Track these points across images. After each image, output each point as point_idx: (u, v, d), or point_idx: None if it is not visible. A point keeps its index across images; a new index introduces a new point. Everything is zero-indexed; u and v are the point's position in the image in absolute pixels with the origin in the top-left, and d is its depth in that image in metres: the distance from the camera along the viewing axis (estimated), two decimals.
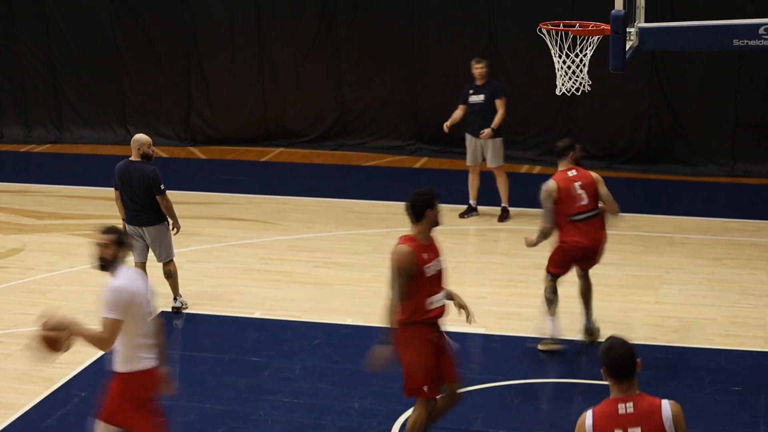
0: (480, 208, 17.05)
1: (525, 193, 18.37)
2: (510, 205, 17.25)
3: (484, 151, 16.74)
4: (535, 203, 17.56)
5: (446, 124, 16.82)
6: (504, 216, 16.82)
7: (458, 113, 16.79)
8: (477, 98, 16.60)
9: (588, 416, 6.63)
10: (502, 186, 16.86)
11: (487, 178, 18.46)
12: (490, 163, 16.76)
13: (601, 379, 11.42)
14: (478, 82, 16.61)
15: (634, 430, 6.52)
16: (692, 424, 10.49)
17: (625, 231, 16.18)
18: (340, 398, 11.22)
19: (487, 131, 16.42)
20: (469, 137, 16.79)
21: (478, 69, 16.59)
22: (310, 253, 15.45)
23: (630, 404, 6.57)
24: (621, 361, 6.59)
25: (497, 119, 16.46)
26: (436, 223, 9.46)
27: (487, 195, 17.68)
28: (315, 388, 11.45)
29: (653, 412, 6.56)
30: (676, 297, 13.82)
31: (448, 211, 17.08)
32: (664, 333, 12.76)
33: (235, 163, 20.56)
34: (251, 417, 10.87)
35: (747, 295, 13.81)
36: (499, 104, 16.51)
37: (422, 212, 9.40)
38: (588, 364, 11.95)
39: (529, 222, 16.73)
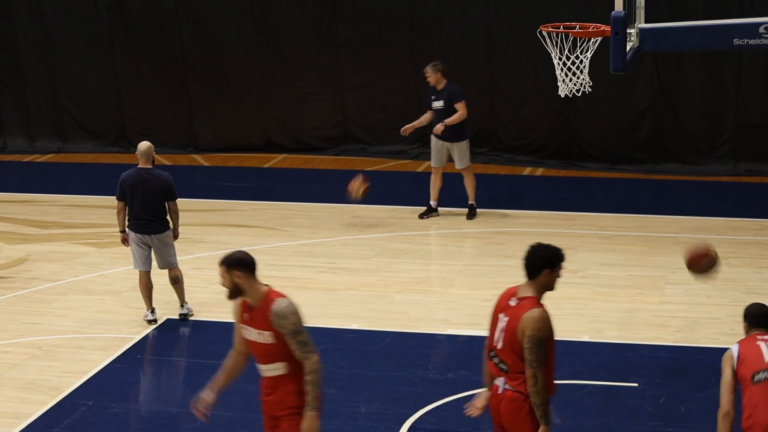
0: (478, 211, 17.07)
1: (528, 196, 18.44)
2: (513, 208, 17.33)
3: (450, 153, 16.82)
4: (536, 205, 17.68)
5: (406, 128, 17.16)
6: (471, 214, 16.92)
7: (426, 117, 17.01)
8: (437, 104, 16.77)
9: (734, 347, 8.55)
10: (469, 185, 17.02)
11: (489, 182, 18.51)
12: (458, 165, 16.89)
13: (606, 381, 11.51)
14: (438, 88, 16.71)
15: None
16: (699, 424, 10.55)
17: (630, 231, 16.22)
18: (346, 403, 11.24)
19: (438, 126, 16.60)
20: (433, 139, 16.93)
21: (426, 76, 16.70)
22: (315, 259, 15.48)
23: (766, 337, 8.50)
24: (761, 316, 8.63)
25: (454, 117, 16.55)
26: (550, 287, 8.41)
27: (486, 197, 17.73)
28: (321, 393, 11.44)
29: None
30: (681, 297, 13.83)
31: (454, 215, 17.11)
32: (669, 333, 12.77)
33: (238, 169, 20.59)
34: (259, 423, 10.83)
35: (752, 293, 13.79)
36: (459, 107, 16.60)
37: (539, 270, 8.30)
38: (593, 365, 11.96)
39: (532, 224, 16.76)
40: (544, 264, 8.24)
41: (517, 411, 8.18)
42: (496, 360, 8.27)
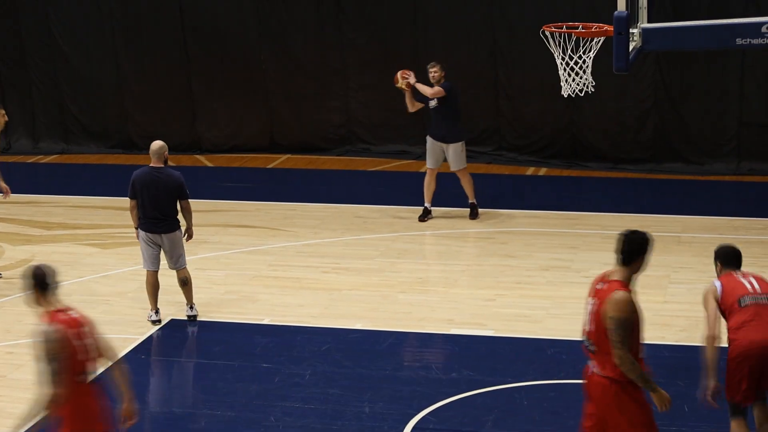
0: (481, 211, 17.07)
1: (531, 196, 18.46)
2: (517, 208, 17.36)
3: (446, 154, 16.80)
4: (539, 205, 17.70)
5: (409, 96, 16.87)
6: (474, 213, 16.91)
7: (412, 102, 16.86)
8: (433, 102, 16.68)
9: (716, 282, 9.48)
10: (466, 185, 16.96)
11: (492, 182, 18.52)
12: (453, 167, 16.83)
13: None
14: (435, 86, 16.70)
15: (749, 278, 9.47)
16: (702, 423, 10.56)
17: None
18: (350, 403, 11.26)
19: (411, 75, 16.63)
20: (429, 140, 16.89)
21: (431, 73, 16.63)
22: (319, 259, 15.49)
23: (739, 273, 9.52)
24: (733, 256, 9.65)
25: (425, 87, 16.53)
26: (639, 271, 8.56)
27: (489, 197, 17.75)
28: (325, 393, 11.48)
29: (757, 275, 9.58)
30: (685, 296, 13.83)
31: (457, 215, 17.12)
32: (672, 332, 12.78)
33: (241, 170, 20.61)
34: (263, 423, 10.91)
35: None
36: (437, 87, 16.48)
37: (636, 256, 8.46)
38: None
39: (535, 224, 16.77)
40: (640, 250, 8.47)
41: (603, 395, 8.44)
42: (587, 343, 8.53)
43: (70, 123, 22.10)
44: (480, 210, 17.07)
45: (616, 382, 8.36)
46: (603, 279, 8.53)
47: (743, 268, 9.73)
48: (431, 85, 16.61)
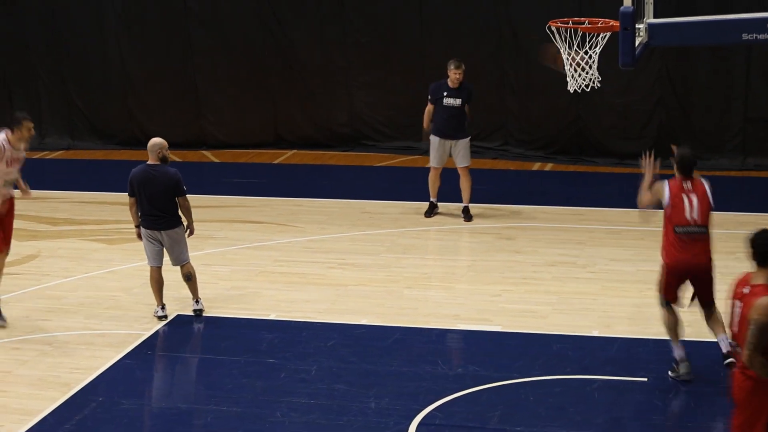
0: (487, 206, 17.05)
1: (538, 191, 18.45)
2: (523, 203, 17.35)
3: (452, 151, 16.76)
4: (545, 200, 17.69)
5: (426, 133, 16.89)
6: (469, 216, 16.86)
7: (428, 118, 16.83)
8: (454, 102, 16.60)
9: (665, 183, 11.23)
10: (467, 186, 16.84)
11: (499, 177, 18.49)
12: (462, 163, 16.76)
13: (615, 375, 11.51)
14: (454, 86, 16.62)
15: (692, 196, 11.22)
16: (707, 419, 10.55)
17: (638, 227, 16.19)
18: (356, 398, 11.26)
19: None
20: (437, 140, 16.80)
21: (457, 74, 16.54)
22: (325, 254, 15.50)
23: (689, 183, 11.27)
24: (688, 162, 11.30)
25: (469, 114, 16.67)
26: None
27: (496, 193, 17.73)
28: (331, 389, 11.48)
29: (700, 186, 11.32)
30: (690, 291, 13.79)
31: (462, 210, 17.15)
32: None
33: (248, 165, 20.61)
34: (268, 419, 10.92)
35: None
36: (467, 109, 16.62)
37: None
38: (602, 360, 11.97)
39: (541, 219, 16.77)
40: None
41: (741, 389, 8.54)
42: (733, 343, 8.71)
43: (77, 119, 22.12)
44: (486, 205, 17.05)
45: (758, 381, 8.45)
46: (746, 282, 8.56)
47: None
48: (455, 88, 16.56)
